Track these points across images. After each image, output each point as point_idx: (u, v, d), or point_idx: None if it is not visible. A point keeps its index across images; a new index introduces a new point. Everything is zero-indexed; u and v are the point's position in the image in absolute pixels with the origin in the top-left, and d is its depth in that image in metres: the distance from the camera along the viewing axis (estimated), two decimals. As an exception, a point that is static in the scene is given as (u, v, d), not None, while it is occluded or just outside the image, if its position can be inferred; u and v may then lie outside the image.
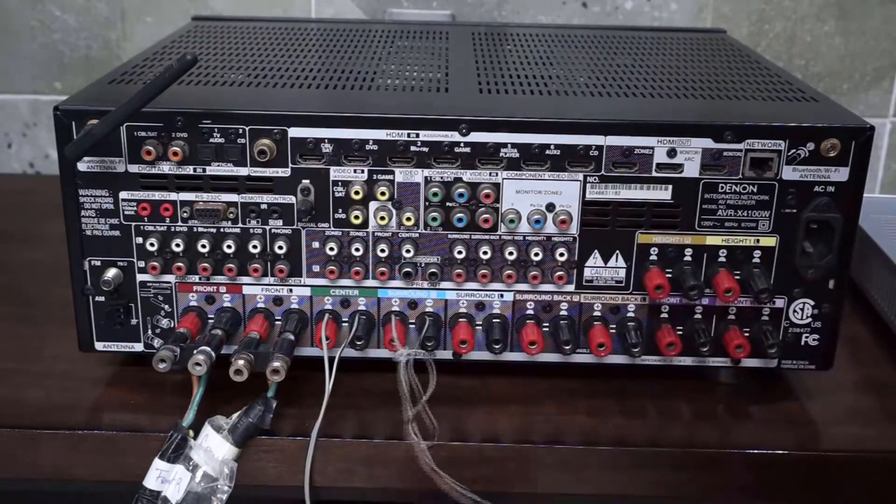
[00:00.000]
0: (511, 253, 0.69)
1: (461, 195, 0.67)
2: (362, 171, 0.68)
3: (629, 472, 0.67)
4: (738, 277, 0.70)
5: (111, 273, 0.69)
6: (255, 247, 0.69)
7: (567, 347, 0.70)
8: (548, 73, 0.82)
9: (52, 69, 1.17)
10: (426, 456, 0.64)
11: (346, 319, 0.71)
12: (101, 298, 0.70)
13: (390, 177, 0.68)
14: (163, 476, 0.64)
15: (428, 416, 0.64)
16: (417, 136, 0.67)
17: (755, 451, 0.67)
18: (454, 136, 0.67)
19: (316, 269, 0.70)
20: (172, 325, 0.71)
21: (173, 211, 0.68)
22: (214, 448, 0.64)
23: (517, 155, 0.67)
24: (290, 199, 0.68)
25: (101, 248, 0.69)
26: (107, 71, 0.79)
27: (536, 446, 0.67)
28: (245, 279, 0.70)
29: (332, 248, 0.69)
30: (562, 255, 0.69)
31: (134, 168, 0.67)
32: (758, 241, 0.70)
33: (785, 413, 0.70)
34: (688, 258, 0.70)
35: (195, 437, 0.65)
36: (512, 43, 0.95)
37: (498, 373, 0.73)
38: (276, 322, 0.71)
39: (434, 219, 0.68)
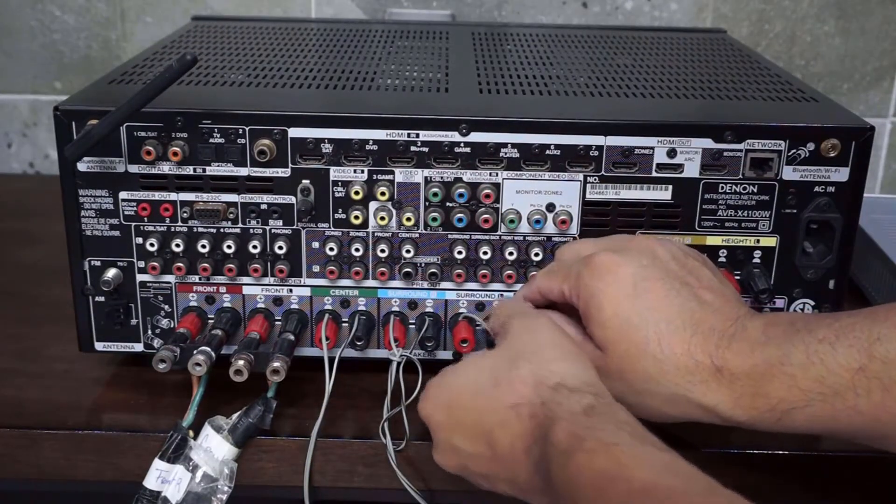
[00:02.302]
0: (511, 253, 0.69)
1: (461, 195, 0.67)
2: (362, 171, 0.68)
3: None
4: (738, 277, 0.70)
5: (111, 273, 0.69)
6: (255, 247, 0.69)
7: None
8: (548, 73, 0.82)
9: (52, 69, 1.17)
10: (391, 456, 0.65)
11: (346, 319, 0.71)
12: (101, 298, 0.70)
13: (390, 177, 0.68)
14: (163, 476, 0.64)
15: (403, 419, 0.65)
16: (417, 136, 0.67)
17: (755, 451, 0.67)
18: (454, 136, 0.67)
19: (316, 269, 0.70)
20: (172, 326, 0.71)
21: (173, 211, 0.68)
22: (214, 448, 0.64)
23: (517, 155, 0.67)
24: (290, 199, 0.68)
25: (101, 248, 0.69)
26: (107, 71, 0.79)
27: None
28: (245, 279, 0.70)
29: (332, 249, 0.69)
30: (562, 255, 0.69)
31: (134, 168, 0.67)
32: (758, 241, 0.70)
33: (785, 413, 0.70)
34: (688, 258, 0.70)
35: (195, 438, 0.65)
36: (512, 43, 0.95)
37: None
38: (276, 322, 0.71)
39: (434, 219, 0.68)
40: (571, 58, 0.89)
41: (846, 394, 0.52)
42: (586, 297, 0.58)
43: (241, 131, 0.67)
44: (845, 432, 0.54)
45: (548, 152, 0.67)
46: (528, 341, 0.58)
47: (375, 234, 0.69)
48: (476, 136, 0.67)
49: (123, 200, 0.68)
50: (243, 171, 0.68)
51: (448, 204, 0.68)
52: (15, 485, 0.72)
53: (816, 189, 0.68)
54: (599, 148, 0.67)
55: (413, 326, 0.71)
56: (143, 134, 0.66)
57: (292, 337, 0.69)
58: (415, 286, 0.71)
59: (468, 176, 0.68)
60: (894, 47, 1.16)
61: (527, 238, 0.69)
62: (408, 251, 0.69)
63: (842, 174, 0.68)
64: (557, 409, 0.52)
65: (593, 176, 0.68)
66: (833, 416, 0.53)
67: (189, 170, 0.68)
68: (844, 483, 0.68)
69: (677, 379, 0.56)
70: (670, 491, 0.44)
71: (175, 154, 0.66)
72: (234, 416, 0.66)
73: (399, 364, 0.68)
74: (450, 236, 0.69)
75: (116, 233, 0.69)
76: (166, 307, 0.71)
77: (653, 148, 0.67)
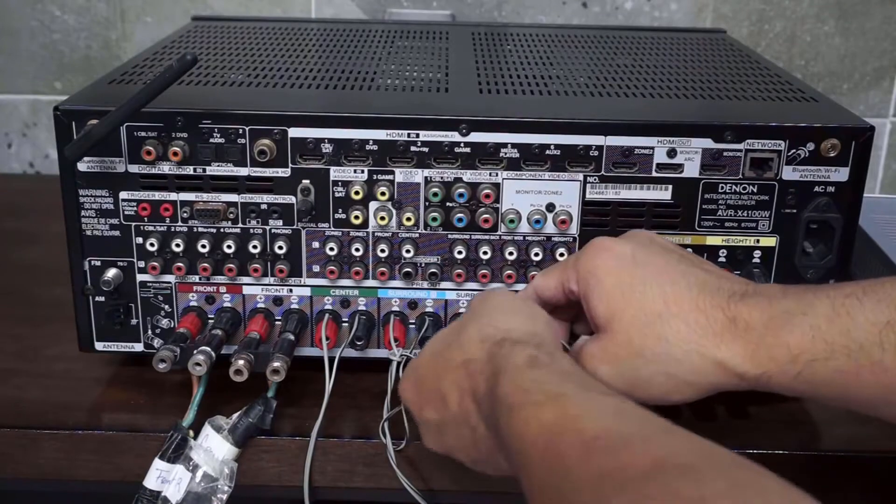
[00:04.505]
0: (511, 253, 0.69)
1: (461, 195, 0.67)
2: (362, 171, 0.68)
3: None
4: (738, 277, 0.70)
5: (111, 273, 0.69)
6: (255, 247, 0.69)
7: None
8: (548, 73, 0.82)
9: (52, 69, 1.17)
10: (391, 456, 0.65)
11: (346, 319, 0.71)
12: (101, 298, 0.70)
13: (390, 177, 0.68)
14: (163, 476, 0.64)
15: (403, 419, 0.65)
16: (417, 136, 0.67)
17: (755, 451, 0.67)
18: (454, 136, 0.67)
19: (316, 269, 0.70)
20: (172, 325, 0.71)
21: (173, 211, 0.68)
22: (214, 448, 0.64)
23: (517, 155, 0.67)
24: (290, 199, 0.68)
25: (101, 248, 0.69)
26: (107, 71, 0.79)
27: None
28: (245, 279, 0.70)
29: (332, 248, 0.69)
30: (562, 255, 0.69)
31: (134, 168, 0.67)
32: (758, 241, 0.70)
33: (785, 413, 0.70)
34: (688, 258, 0.70)
35: (195, 437, 0.65)
36: (512, 43, 0.95)
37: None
38: (276, 322, 0.71)
39: (434, 219, 0.68)
40: (571, 58, 0.89)
41: (872, 349, 0.51)
42: (585, 275, 0.58)
43: (241, 131, 0.67)
44: (866, 395, 0.52)
45: (548, 152, 0.67)
46: (478, 305, 0.58)
47: (375, 234, 0.69)
48: (476, 136, 0.67)
49: (123, 200, 0.68)
50: (243, 171, 0.68)
51: (448, 204, 0.68)
52: (15, 485, 0.72)
53: (816, 189, 0.68)
54: (599, 148, 0.67)
55: (413, 326, 0.71)
56: (143, 134, 0.66)
57: (292, 337, 0.69)
58: (415, 286, 0.71)
59: (468, 176, 0.68)
60: (894, 47, 1.16)
61: (527, 238, 0.69)
62: (408, 251, 0.69)
63: (842, 174, 0.68)
64: (502, 363, 0.51)
65: (593, 176, 0.68)
66: (857, 372, 0.51)
67: (189, 170, 0.68)
68: (844, 483, 0.68)
69: (689, 335, 0.54)
70: (623, 436, 0.43)
71: (175, 154, 0.66)
72: (234, 416, 0.66)
73: (399, 364, 0.68)
74: (450, 236, 0.69)
75: (116, 233, 0.69)
76: (166, 307, 0.71)
77: (653, 148, 0.67)
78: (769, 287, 0.55)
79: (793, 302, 0.53)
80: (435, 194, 0.68)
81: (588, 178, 0.68)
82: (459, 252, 0.69)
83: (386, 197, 0.68)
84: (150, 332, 0.71)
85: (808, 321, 0.52)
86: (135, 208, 0.68)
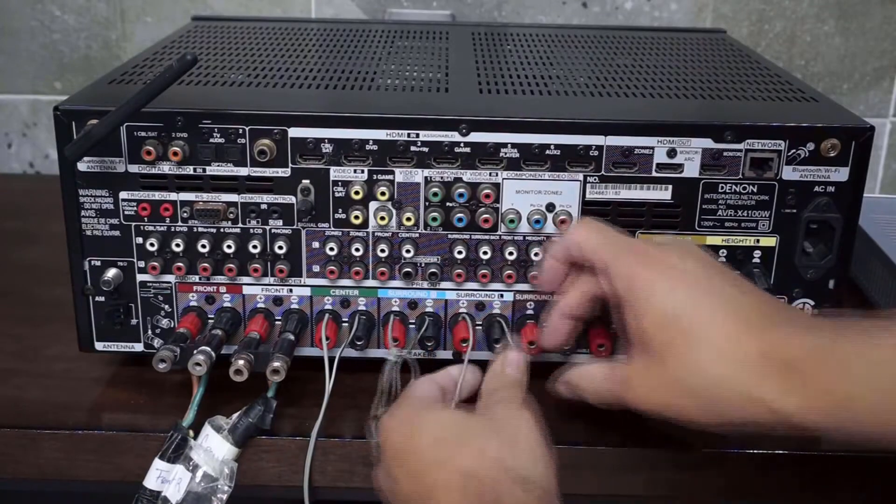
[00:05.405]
0: (511, 253, 0.69)
1: (461, 195, 0.67)
2: (362, 171, 0.68)
3: (630, 472, 0.67)
4: (738, 277, 0.70)
5: (111, 273, 0.69)
6: (255, 247, 0.69)
7: (567, 348, 0.70)
8: (548, 73, 0.82)
9: (52, 69, 1.17)
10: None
11: (346, 319, 0.71)
12: (101, 298, 0.70)
13: (390, 177, 0.68)
14: (163, 476, 0.64)
15: None
16: (417, 136, 0.67)
17: (755, 451, 0.67)
18: (454, 136, 0.67)
19: (316, 269, 0.70)
20: (172, 325, 0.71)
21: (173, 211, 0.68)
22: (214, 448, 0.64)
23: (517, 155, 0.67)
24: (290, 199, 0.68)
25: (101, 248, 0.69)
26: (107, 71, 0.79)
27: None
28: (245, 279, 0.70)
29: (332, 248, 0.69)
30: (562, 255, 0.69)
31: (134, 168, 0.67)
32: (758, 241, 0.70)
33: (785, 413, 0.70)
34: (688, 258, 0.70)
35: (195, 437, 0.65)
36: (512, 43, 0.95)
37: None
38: (276, 322, 0.71)
39: (434, 219, 0.68)
40: (571, 58, 0.89)
41: None
42: (627, 282, 0.57)
43: (241, 131, 0.67)
44: None
45: (548, 152, 0.67)
46: (505, 426, 0.57)
47: (375, 234, 0.69)
48: (476, 136, 0.67)
49: (123, 200, 0.68)
50: (243, 171, 0.68)
51: (448, 204, 0.68)
52: (15, 485, 0.72)
53: (816, 189, 0.68)
54: (599, 148, 0.67)
55: (413, 326, 0.71)
56: (143, 134, 0.66)
57: (292, 337, 0.69)
58: (415, 286, 0.71)
59: (468, 176, 0.68)
60: (894, 47, 1.16)
61: (527, 238, 0.69)
62: (408, 251, 0.69)
63: (842, 174, 0.68)
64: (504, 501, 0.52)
65: (593, 176, 0.68)
66: (892, 409, 0.50)
67: (189, 170, 0.68)
68: (844, 483, 0.68)
69: (722, 368, 0.53)
70: None
71: (175, 154, 0.66)
72: (234, 416, 0.66)
73: (395, 363, 0.67)
74: (450, 236, 0.69)
75: (116, 233, 0.69)
76: (166, 307, 0.71)
77: (653, 148, 0.67)
78: (808, 320, 0.55)
79: (828, 338, 0.52)
80: (435, 194, 0.68)
81: (588, 178, 0.68)
82: (459, 252, 0.69)
83: (386, 197, 0.68)
84: (150, 332, 0.71)
85: (845, 358, 0.51)
86: (135, 208, 0.68)
